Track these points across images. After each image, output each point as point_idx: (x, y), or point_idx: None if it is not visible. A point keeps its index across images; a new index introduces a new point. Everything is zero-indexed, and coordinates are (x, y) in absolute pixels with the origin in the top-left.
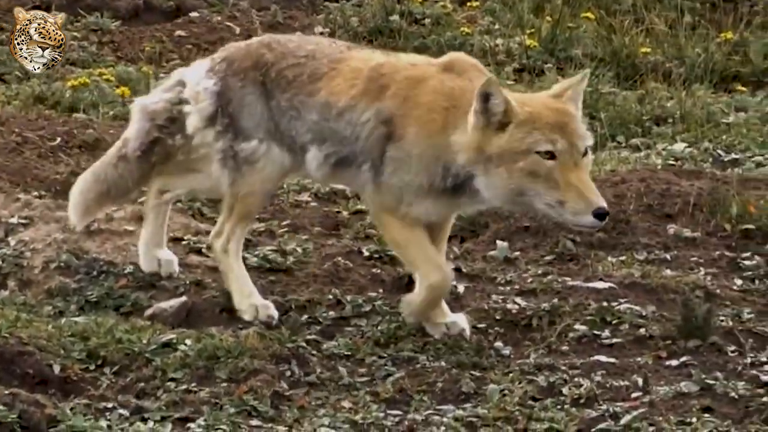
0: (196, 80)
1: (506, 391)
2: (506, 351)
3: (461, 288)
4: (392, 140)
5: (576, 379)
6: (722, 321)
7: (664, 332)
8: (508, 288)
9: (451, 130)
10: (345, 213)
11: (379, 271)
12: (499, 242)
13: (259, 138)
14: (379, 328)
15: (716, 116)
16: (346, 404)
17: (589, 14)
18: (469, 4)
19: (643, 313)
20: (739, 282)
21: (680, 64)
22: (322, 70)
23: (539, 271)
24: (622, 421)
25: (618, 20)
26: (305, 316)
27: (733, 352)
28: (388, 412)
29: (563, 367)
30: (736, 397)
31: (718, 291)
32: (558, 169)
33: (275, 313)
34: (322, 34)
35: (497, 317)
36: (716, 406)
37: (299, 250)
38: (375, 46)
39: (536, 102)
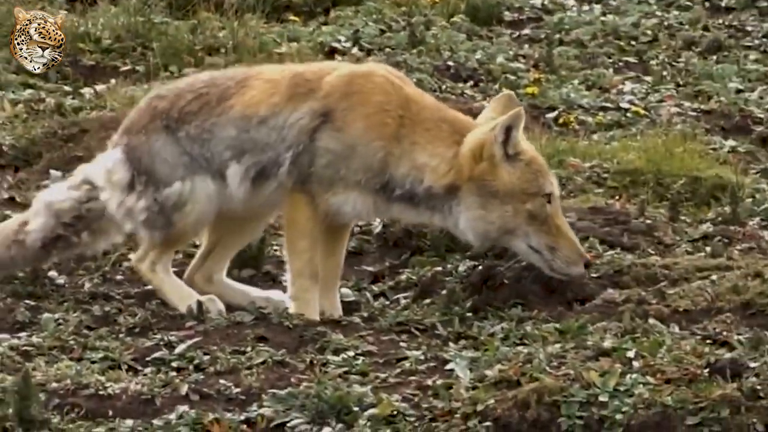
0: (102, 163)
1: (61, 321)
2: (61, 280)
3: None
4: (327, 130)
5: (131, 309)
6: (276, 251)
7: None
8: None
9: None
10: None
11: None
12: (52, 171)
13: (180, 177)
14: None
15: (269, 46)
16: None
17: None
18: None
19: None
20: None
21: None
22: (230, 91)
23: None
24: (177, 350)
25: None
26: None
27: (285, 280)
28: None
29: (118, 297)
30: (291, 326)
31: (272, 221)
32: (551, 213)
33: (221, 305)
34: None
35: None
36: (271, 335)
37: None
38: None
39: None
